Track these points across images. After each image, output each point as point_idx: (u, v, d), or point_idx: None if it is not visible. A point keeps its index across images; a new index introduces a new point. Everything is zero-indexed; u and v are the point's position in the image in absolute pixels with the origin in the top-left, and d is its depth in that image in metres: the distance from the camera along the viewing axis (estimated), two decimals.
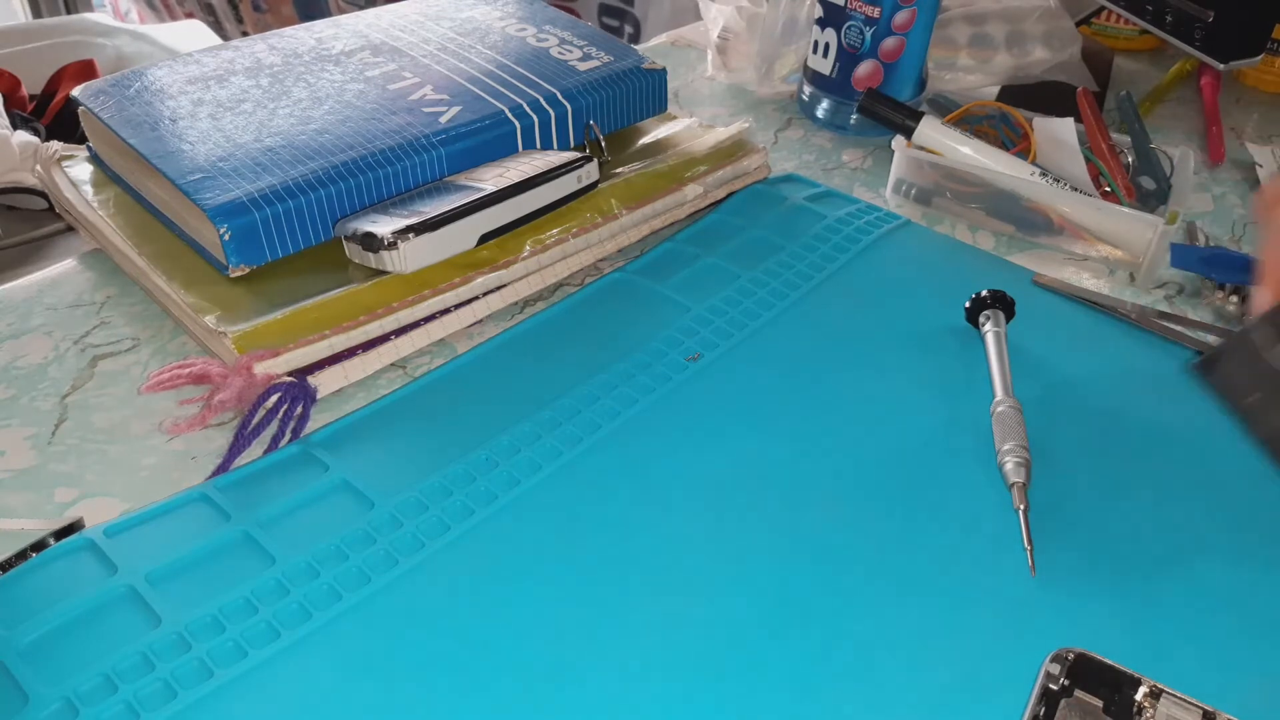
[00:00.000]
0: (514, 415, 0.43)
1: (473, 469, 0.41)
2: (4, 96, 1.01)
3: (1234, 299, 0.53)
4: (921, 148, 0.59)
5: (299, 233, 0.48)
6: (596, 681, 0.33)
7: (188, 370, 0.44)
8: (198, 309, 0.45)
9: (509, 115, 0.53)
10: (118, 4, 2.01)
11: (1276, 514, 0.41)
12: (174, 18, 1.93)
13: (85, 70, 1.16)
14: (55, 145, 0.55)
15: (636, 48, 0.62)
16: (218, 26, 1.94)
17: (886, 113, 0.61)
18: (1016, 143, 0.61)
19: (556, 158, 0.51)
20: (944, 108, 0.67)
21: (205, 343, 0.46)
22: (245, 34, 1.87)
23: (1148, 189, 0.59)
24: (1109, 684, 0.33)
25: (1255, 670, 0.35)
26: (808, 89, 0.69)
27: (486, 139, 0.52)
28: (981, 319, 0.48)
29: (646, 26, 1.63)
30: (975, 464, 0.42)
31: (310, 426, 0.43)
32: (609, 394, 0.45)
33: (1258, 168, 0.66)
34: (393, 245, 0.46)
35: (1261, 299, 0.35)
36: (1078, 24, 0.76)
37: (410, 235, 0.46)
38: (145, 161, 0.48)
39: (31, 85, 1.14)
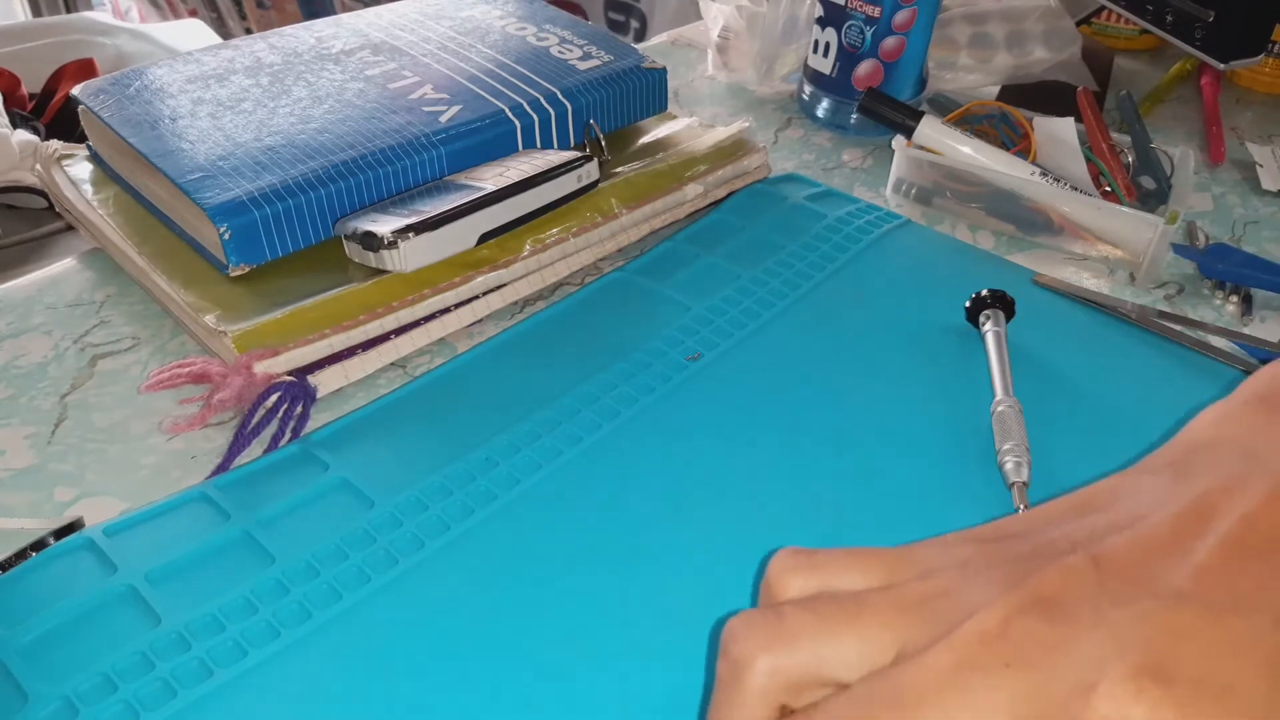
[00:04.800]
0: (514, 415, 0.43)
1: (473, 468, 0.41)
2: (4, 95, 1.01)
3: (1234, 299, 0.53)
4: (922, 147, 0.59)
5: (299, 232, 0.48)
6: (597, 680, 0.33)
7: (187, 369, 0.44)
8: (197, 308, 0.45)
9: (509, 114, 0.53)
10: (117, 2, 2.00)
11: None
12: (176, 14, 1.92)
13: (85, 69, 1.16)
14: (55, 144, 0.55)
15: (637, 47, 0.62)
16: (220, 23, 1.93)
17: (887, 112, 0.61)
18: (1017, 142, 0.61)
19: (556, 157, 0.51)
20: (944, 107, 0.67)
21: (205, 342, 0.46)
22: (249, 31, 1.87)
23: (1148, 189, 0.59)
24: None
25: None
26: (808, 88, 0.69)
27: (486, 138, 0.52)
28: (981, 318, 0.48)
29: (653, 21, 1.63)
30: (975, 464, 0.42)
31: (310, 426, 0.43)
32: (609, 393, 0.45)
33: (1258, 167, 0.66)
34: (393, 244, 0.46)
35: None
36: (1078, 24, 0.76)
37: (410, 234, 0.46)
38: (145, 160, 0.48)
39: (31, 84, 1.14)
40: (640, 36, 1.66)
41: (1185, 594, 0.21)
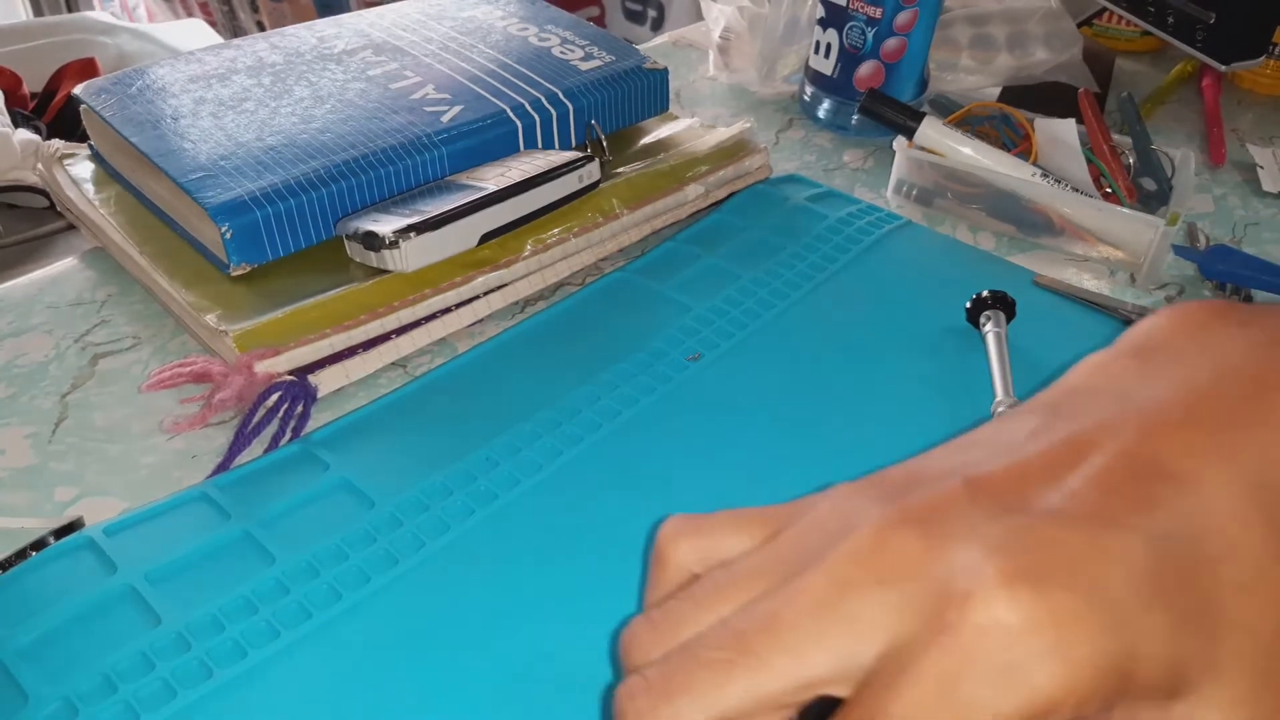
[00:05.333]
0: (514, 415, 0.43)
1: (473, 468, 0.41)
2: (5, 94, 1.01)
3: (1234, 300, 0.53)
4: (923, 148, 0.59)
5: (300, 231, 0.48)
6: (598, 680, 0.33)
7: (188, 369, 0.44)
8: (198, 307, 0.45)
9: (510, 114, 0.53)
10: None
11: None
12: (187, 9, 1.92)
13: (86, 68, 1.16)
14: (56, 143, 0.55)
15: (638, 48, 0.63)
16: (231, 15, 1.94)
17: (888, 113, 0.61)
18: (1018, 143, 0.61)
19: (558, 157, 0.51)
20: (945, 108, 0.67)
21: (206, 341, 0.46)
22: (261, 24, 1.87)
23: (1149, 190, 0.59)
24: None
25: None
26: (809, 89, 0.69)
27: (488, 138, 0.52)
28: (982, 319, 0.48)
29: (670, 11, 1.63)
30: None
31: (311, 425, 0.43)
32: (609, 394, 0.45)
33: (1259, 169, 0.66)
34: (394, 244, 0.46)
35: None
36: (1079, 25, 0.76)
37: (411, 234, 0.46)
38: (147, 160, 0.48)
39: (33, 83, 1.14)
40: (658, 26, 1.66)
41: (1058, 512, 0.21)
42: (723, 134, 0.59)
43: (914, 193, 0.61)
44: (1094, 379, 0.26)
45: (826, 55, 0.66)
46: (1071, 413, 0.24)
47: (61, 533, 0.37)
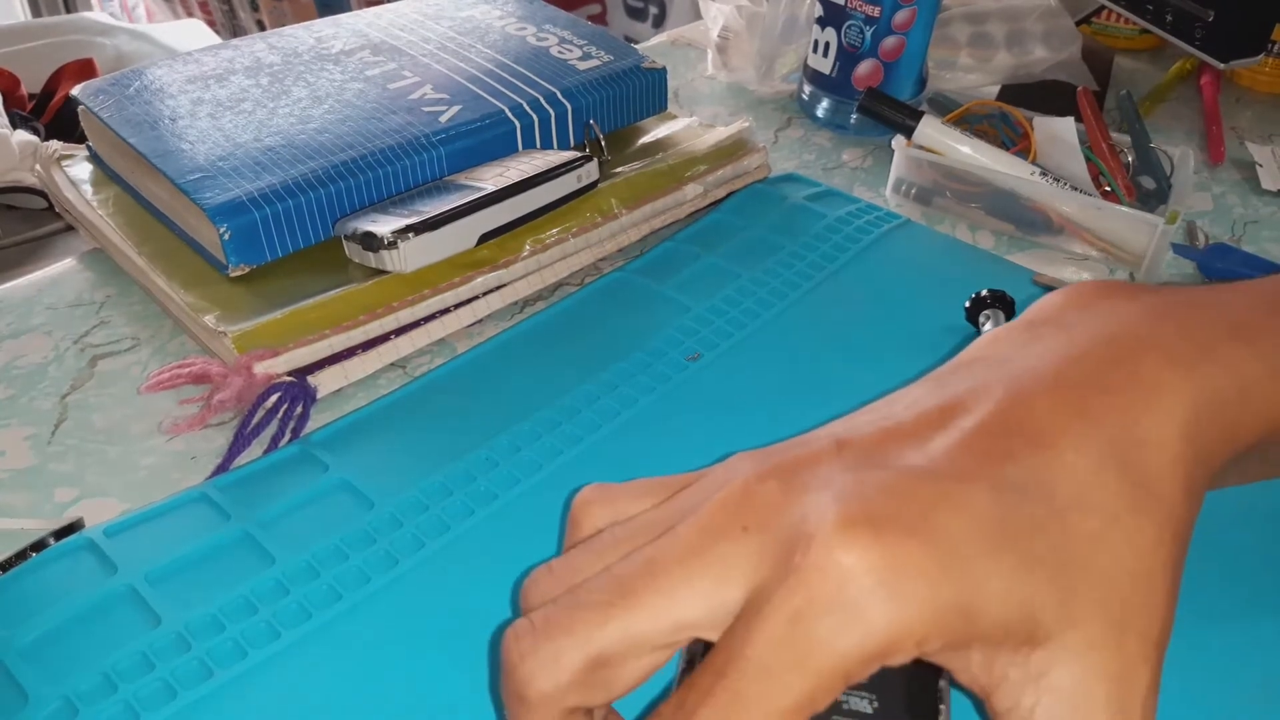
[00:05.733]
0: (514, 415, 0.43)
1: (473, 469, 0.41)
2: (3, 95, 1.01)
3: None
4: (921, 147, 0.59)
5: (299, 232, 0.48)
6: None
7: (187, 370, 0.44)
8: (197, 308, 0.45)
9: (509, 114, 0.53)
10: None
11: (1276, 515, 0.40)
12: (186, 9, 1.93)
13: (84, 69, 1.16)
14: (55, 144, 0.55)
15: (636, 47, 0.63)
16: (231, 15, 1.94)
17: (886, 112, 0.61)
18: (1016, 142, 0.61)
19: (556, 157, 0.51)
20: (944, 107, 0.67)
21: (205, 342, 0.46)
22: (260, 23, 1.88)
23: (1148, 188, 0.59)
24: None
25: (1252, 672, 0.35)
26: (808, 88, 0.69)
27: (486, 138, 0.52)
28: (981, 318, 0.48)
29: (672, 8, 1.63)
30: None
31: (310, 426, 0.43)
32: (609, 393, 0.45)
33: (1258, 167, 0.66)
34: (392, 245, 0.46)
35: None
36: (1078, 23, 0.76)
37: (410, 235, 0.46)
38: (145, 161, 0.48)
39: (31, 84, 1.14)
40: (660, 23, 1.66)
41: (914, 467, 0.22)
42: (721, 133, 0.59)
43: (913, 191, 0.61)
44: (985, 351, 0.27)
45: (825, 54, 0.66)
46: (952, 382, 0.25)
47: (61, 534, 0.37)
